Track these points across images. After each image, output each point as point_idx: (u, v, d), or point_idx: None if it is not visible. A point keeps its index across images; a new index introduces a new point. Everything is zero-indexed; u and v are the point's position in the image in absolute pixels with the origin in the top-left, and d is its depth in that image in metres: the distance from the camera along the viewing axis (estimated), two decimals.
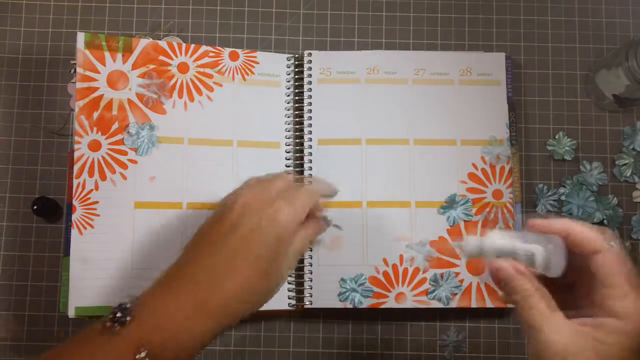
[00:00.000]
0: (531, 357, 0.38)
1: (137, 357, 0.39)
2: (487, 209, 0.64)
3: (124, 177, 0.62)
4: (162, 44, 0.65)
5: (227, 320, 0.43)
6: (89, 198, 0.61)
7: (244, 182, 0.51)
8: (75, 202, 0.60)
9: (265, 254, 0.44)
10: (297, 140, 0.65)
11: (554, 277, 0.38)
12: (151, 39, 0.65)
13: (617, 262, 0.37)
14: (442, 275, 0.63)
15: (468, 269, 0.63)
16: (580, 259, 0.38)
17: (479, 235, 0.41)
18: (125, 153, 0.62)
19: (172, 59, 0.64)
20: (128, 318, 0.41)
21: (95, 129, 0.62)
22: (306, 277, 0.62)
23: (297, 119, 0.66)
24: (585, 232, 0.38)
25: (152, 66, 0.64)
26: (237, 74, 0.66)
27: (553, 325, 0.37)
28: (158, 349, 0.40)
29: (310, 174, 0.64)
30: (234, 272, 0.43)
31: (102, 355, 0.40)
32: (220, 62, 0.65)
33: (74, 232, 0.60)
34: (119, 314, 0.41)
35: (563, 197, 0.66)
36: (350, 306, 0.62)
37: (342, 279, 0.62)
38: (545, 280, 0.39)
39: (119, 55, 0.63)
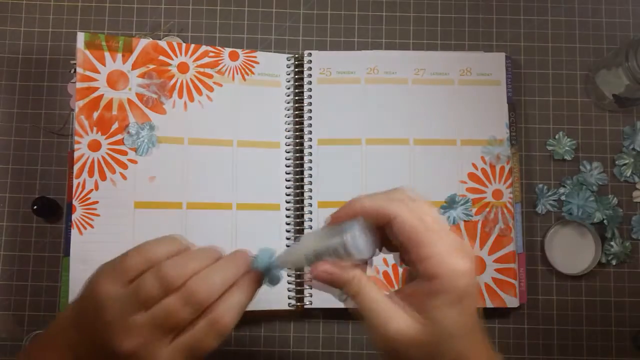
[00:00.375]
0: (375, 345, 0.37)
1: None
2: (487, 209, 0.64)
3: (124, 177, 0.62)
4: (162, 44, 0.65)
5: None
6: (89, 198, 0.61)
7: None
8: (75, 202, 0.60)
9: None
10: (297, 140, 0.65)
11: (369, 257, 0.37)
12: (151, 39, 0.65)
13: (411, 225, 0.35)
14: None
15: None
16: (388, 229, 0.36)
17: (289, 248, 0.40)
18: (125, 153, 0.62)
19: (172, 59, 0.64)
20: None
21: (95, 129, 0.62)
22: (306, 277, 0.62)
23: (297, 119, 0.66)
24: (375, 205, 0.36)
25: (152, 66, 0.64)
26: (237, 74, 0.66)
27: (383, 309, 0.36)
28: None
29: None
30: None
31: None
32: (220, 62, 0.65)
33: (74, 232, 0.60)
34: None
35: (563, 197, 0.66)
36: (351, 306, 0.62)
37: None
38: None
39: (119, 55, 0.63)
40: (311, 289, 0.62)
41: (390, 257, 0.62)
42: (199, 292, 0.37)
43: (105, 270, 0.39)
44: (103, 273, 0.39)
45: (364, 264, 0.37)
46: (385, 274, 0.62)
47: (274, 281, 0.41)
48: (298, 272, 0.63)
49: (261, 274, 0.41)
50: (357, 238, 0.36)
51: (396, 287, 0.62)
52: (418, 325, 0.35)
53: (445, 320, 0.35)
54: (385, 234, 0.37)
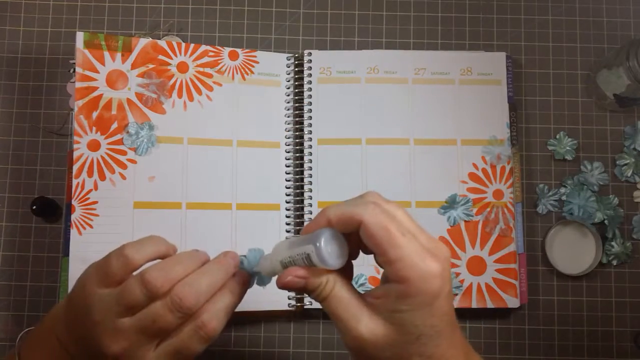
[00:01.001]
0: (346, 346, 0.37)
1: None
2: (488, 209, 0.64)
3: (124, 177, 0.61)
4: (162, 43, 0.64)
5: None
6: (88, 198, 0.61)
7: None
8: (74, 202, 0.60)
9: None
10: (297, 140, 0.65)
11: (338, 266, 0.37)
12: (150, 39, 0.65)
13: (376, 228, 0.34)
14: None
15: (469, 269, 0.63)
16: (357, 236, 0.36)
17: (264, 256, 0.40)
18: (124, 153, 0.62)
19: (171, 58, 0.64)
20: None
21: (94, 128, 0.62)
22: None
23: (297, 119, 0.65)
24: (340, 212, 0.36)
25: (151, 66, 0.64)
26: (237, 73, 0.65)
27: (351, 312, 0.36)
28: None
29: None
30: None
31: None
32: (220, 61, 0.65)
33: (73, 232, 0.60)
34: None
35: (564, 197, 0.66)
36: None
37: None
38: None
39: (119, 55, 0.63)
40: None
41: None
42: (186, 298, 0.37)
43: (91, 271, 0.39)
44: (90, 274, 0.39)
45: (342, 268, 0.37)
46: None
47: (264, 282, 0.41)
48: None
49: (249, 276, 0.41)
50: (322, 248, 0.36)
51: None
52: (387, 326, 0.35)
53: (414, 322, 0.34)
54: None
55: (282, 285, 0.38)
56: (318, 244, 0.36)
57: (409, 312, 0.34)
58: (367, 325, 0.35)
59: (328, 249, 0.36)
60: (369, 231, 0.35)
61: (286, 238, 0.46)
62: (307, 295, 0.62)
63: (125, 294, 0.37)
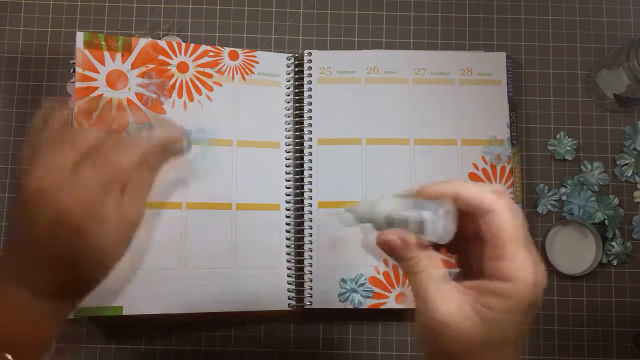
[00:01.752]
0: (418, 327, 0.36)
1: None
2: None
3: None
4: (162, 43, 0.64)
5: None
6: None
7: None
8: None
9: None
10: (297, 140, 0.65)
11: (445, 242, 0.36)
12: (150, 39, 0.65)
13: (506, 221, 0.35)
14: None
15: None
16: (471, 219, 0.36)
17: (370, 201, 0.38)
18: None
19: (171, 58, 0.64)
20: None
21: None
22: (306, 277, 0.62)
23: (297, 119, 0.65)
24: (473, 193, 0.35)
25: (151, 66, 0.64)
26: (237, 73, 0.65)
27: (441, 293, 0.35)
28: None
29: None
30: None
31: None
32: (220, 61, 0.65)
33: None
34: None
35: (564, 197, 0.66)
36: (351, 307, 0.62)
37: (342, 280, 0.62)
38: (436, 245, 0.37)
39: (118, 55, 0.63)
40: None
41: (391, 258, 0.62)
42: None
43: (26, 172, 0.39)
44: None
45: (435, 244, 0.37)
46: (386, 274, 0.62)
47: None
48: (298, 273, 0.62)
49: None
50: (438, 221, 0.35)
51: (396, 288, 0.62)
52: (474, 319, 0.34)
53: (503, 325, 0.34)
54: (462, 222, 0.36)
55: (382, 242, 0.37)
56: (439, 215, 0.35)
57: (503, 313, 0.34)
58: (453, 311, 0.34)
59: (446, 224, 0.35)
60: (497, 222, 0.35)
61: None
62: (307, 295, 0.62)
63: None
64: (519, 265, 0.34)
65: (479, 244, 0.36)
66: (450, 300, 0.35)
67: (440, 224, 0.35)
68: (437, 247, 0.37)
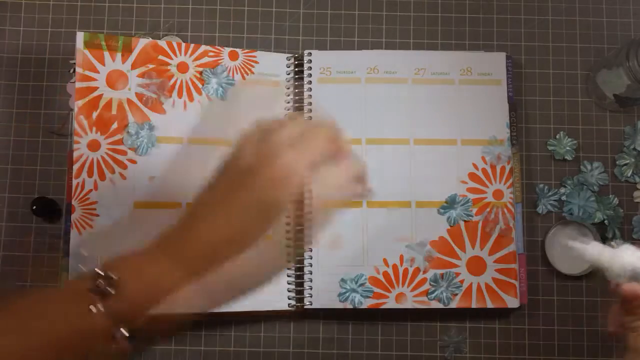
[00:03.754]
0: None
1: (116, 334, 0.34)
2: (488, 209, 0.64)
3: (124, 177, 0.61)
4: (162, 43, 0.65)
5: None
6: (88, 198, 0.61)
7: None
8: (74, 202, 0.60)
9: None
10: None
11: None
12: (150, 39, 0.65)
13: None
14: (442, 276, 0.62)
15: (468, 270, 0.63)
16: None
17: (598, 244, 0.42)
18: (124, 153, 0.62)
19: (171, 58, 0.64)
20: (112, 291, 0.35)
21: (94, 128, 0.62)
22: (306, 277, 0.62)
23: None
24: None
25: (151, 66, 0.64)
26: (237, 73, 0.65)
27: None
28: (142, 324, 0.36)
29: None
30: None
31: (69, 325, 0.35)
32: (220, 61, 0.65)
33: (73, 232, 0.60)
34: (101, 283, 0.35)
35: (564, 197, 0.66)
36: (351, 306, 0.62)
37: (342, 280, 0.62)
38: None
39: (119, 55, 0.63)
40: None
41: (391, 258, 0.62)
42: None
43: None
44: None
45: None
46: (386, 274, 0.62)
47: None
48: (298, 273, 0.62)
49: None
50: None
51: (396, 288, 0.62)
52: None
53: None
54: None
55: (629, 293, 0.39)
56: None
57: None
58: None
59: None
60: None
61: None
62: (307, 295, 0.62)
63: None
64: None
65: None
66: None
67: None
68: None
